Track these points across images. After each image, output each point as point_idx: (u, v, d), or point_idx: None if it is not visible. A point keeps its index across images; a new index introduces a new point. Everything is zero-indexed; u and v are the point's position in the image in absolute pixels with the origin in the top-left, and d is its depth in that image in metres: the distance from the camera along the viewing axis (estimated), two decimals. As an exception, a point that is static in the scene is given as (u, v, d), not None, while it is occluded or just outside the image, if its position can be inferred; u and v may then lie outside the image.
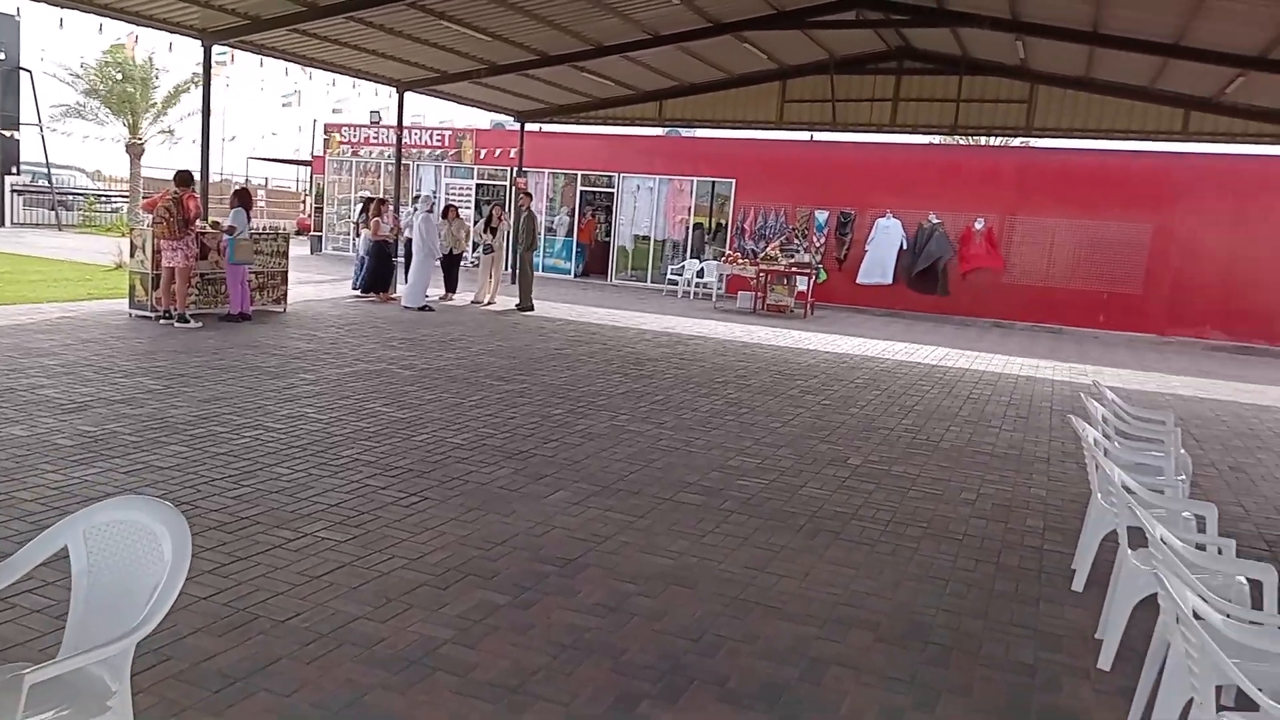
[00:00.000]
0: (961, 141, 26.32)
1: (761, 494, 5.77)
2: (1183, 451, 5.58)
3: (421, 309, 14.16)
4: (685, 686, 3.33)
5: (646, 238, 22.46)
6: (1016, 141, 21.38)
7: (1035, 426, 8.66)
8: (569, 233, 23.37)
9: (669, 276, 21.30)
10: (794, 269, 17.83)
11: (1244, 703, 2.55)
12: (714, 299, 19.69)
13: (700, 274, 20.38)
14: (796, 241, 19.29)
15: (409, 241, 15.71)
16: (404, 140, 20.12)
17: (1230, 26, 11.32)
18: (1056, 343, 16.66)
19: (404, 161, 21.00)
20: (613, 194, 22.67)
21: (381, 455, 5.96)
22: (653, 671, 3.42)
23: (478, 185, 24.30)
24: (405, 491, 5.26)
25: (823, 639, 3.81)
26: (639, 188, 22.47)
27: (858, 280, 19.62)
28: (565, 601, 3.96)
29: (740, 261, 19.12)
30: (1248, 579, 3.43)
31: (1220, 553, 3.67)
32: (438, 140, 24.64)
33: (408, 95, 18.18)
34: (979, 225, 18.78)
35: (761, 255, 18.72)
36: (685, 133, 23.66)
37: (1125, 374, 12.91)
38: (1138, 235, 17.81)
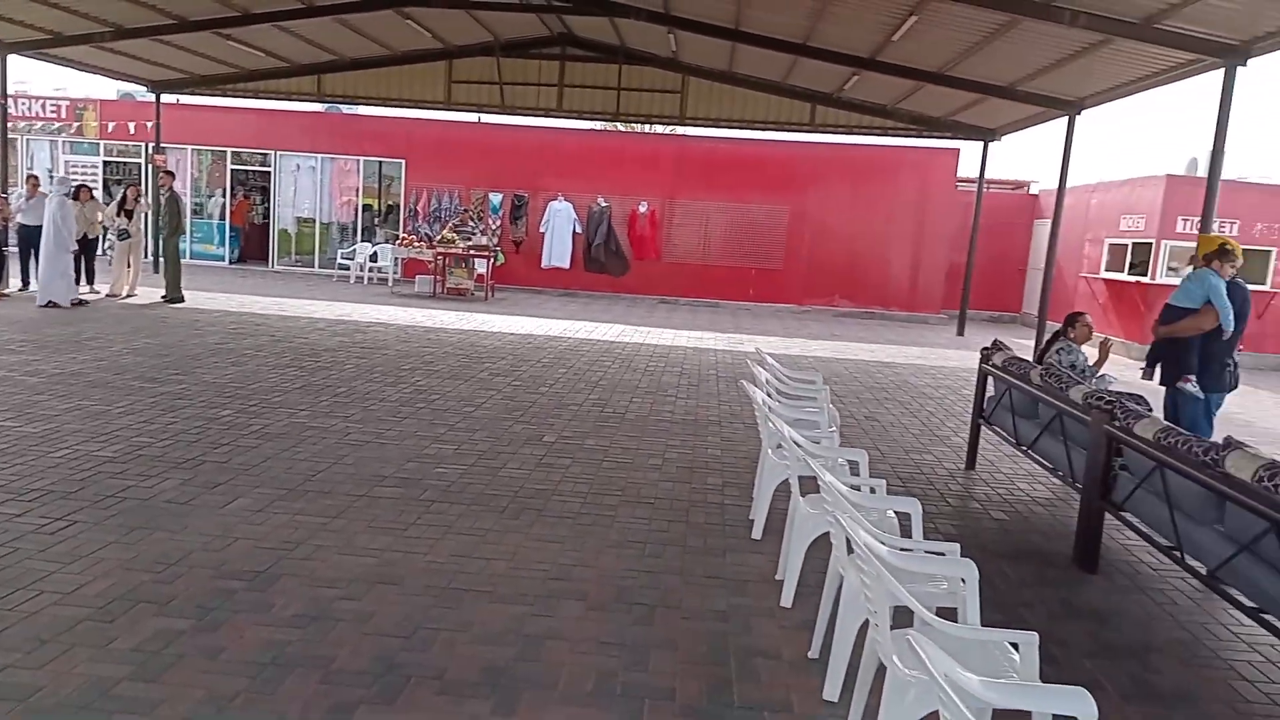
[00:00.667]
0: (623, 128, 27.62)
1: (461, 480, 5.70)
2: (831, 406, 6.31)
3: (77, 304, 12.47)
4: (402, 685, 3.22)
5: (311, 220, 21.14)
6: (669, 129, 22.89)
7: (705, 393, 9.36)
8: (221, 215, 21.40)
9: (339, 261, 20.26)
10: (472, 252, 17.72)
11: (900, 620, 2.93)
12: (390, 283, 19.05)
13: (374, 258, 19.61)
14: (471, 224, 19.18)
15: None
16: (9, 111, 17.22)
17: (847, 30, 12.90)
18: (715, 316, 18.11)
19: (10, 136, 17.97)
20: (269, 173, 21.07)
21: (12, 478, 5.10)
22: (366, 676, 3.26)
23: (105, 163, 21.44)
24: (48, 517, 4.55)
25: (536, 616, 3.85)
26: (299, 167, 21.05)
27: (544, 264, 19.93)
28: (259, 617, 3.65)
29: (416, 245, 18.65)
30: (896, 512, 3.96)
31: (873, 492, 4.20)
32: (52, 111, 21.38)
33: (11, 58, 15.56)
34: (643, 209, 19.85)
35: (438, 238, 18.40)
36: (348, 110, 22.56)
37: (774, 341, 14.35)
38: (777, 217, 19.80)
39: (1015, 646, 2.68)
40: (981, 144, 17.34)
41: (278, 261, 21.20)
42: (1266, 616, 3.58)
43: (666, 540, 4.90)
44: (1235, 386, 6.50)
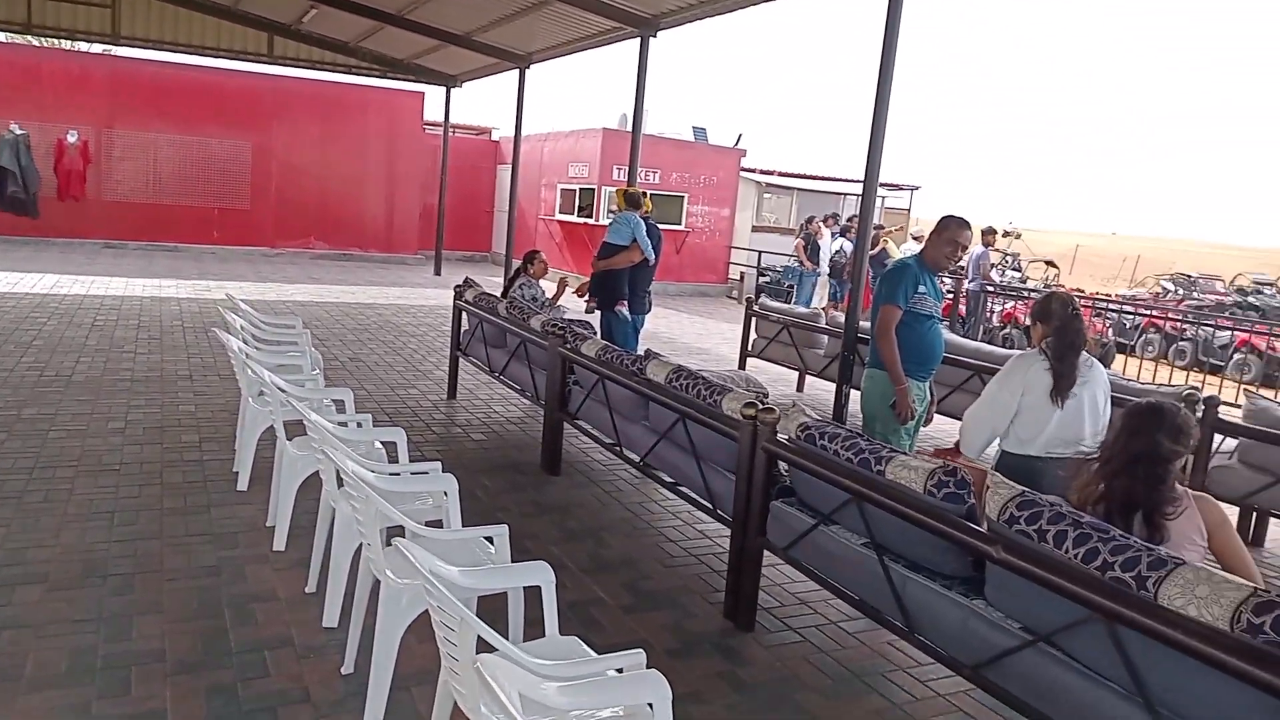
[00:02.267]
0: (38, 43, 23.22)
1: None
2: (313, 349, 6.29)
3: None
4: None
5: None
6: (101, 48, 19.80)
7: (172, 346, 8.61)
8: None
9: None
10: None
11: (392, 540, 3.17)
12: None
13: None
14: None
15: None
16: None
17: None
18: (175, 261, 16.47)
19: None
20: None
21: None
22: None
23: None
24: None
25: (-18, 609, 3.38)
26: None
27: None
28: None
29: None
30: (382, 442, 4.18)
31: (360, 426, 4.37)
32: None
33: None
34: (73, 138, 17.11)
35: None
36: None
37: (246, 286, 13.56)
38: (240, 152, 18.47)
39: (492, 541, 3.08)
40: (445, 89, 17.96)
41: None
42: (681, 489, 4.53)
43: (139, 506, 4.56)
44: (650, 309, 7.83)
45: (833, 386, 7.28)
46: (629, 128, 17.01)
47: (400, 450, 4.02)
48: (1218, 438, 5.11)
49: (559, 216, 18.80)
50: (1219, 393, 8.93)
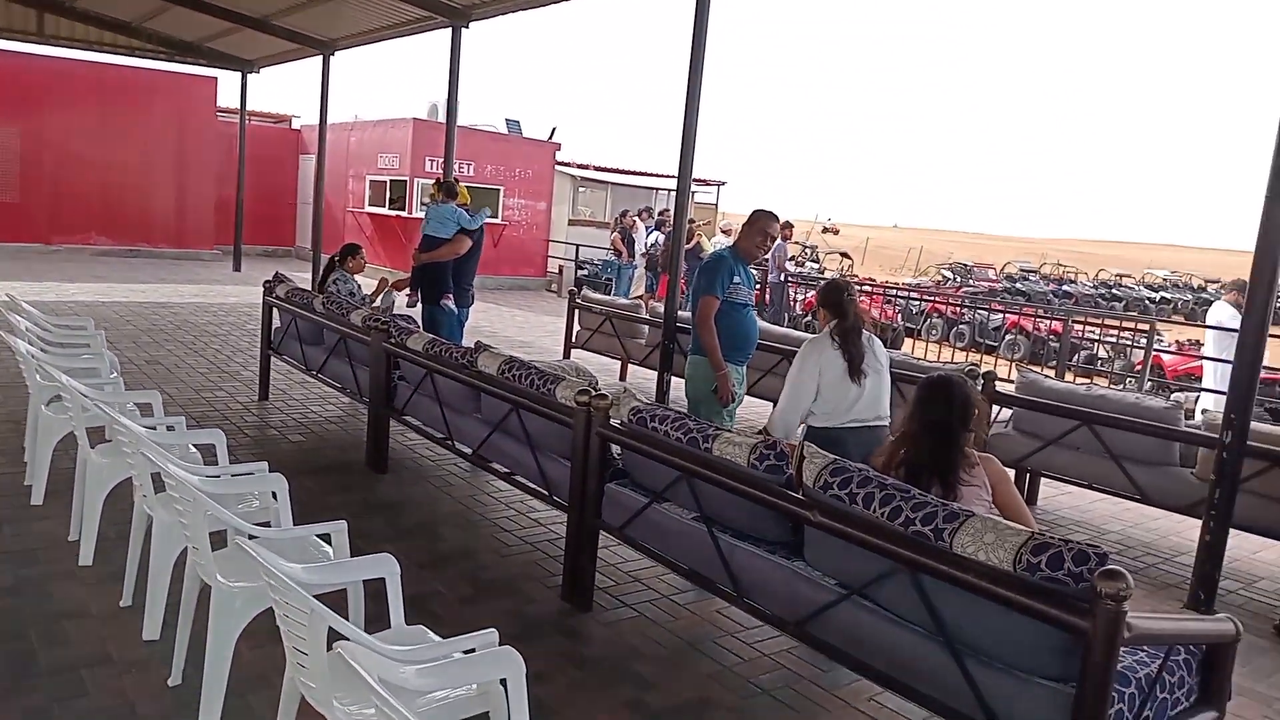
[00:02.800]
0: None
1: None
2: (109, 352, 5.86)
3: None
4: None
5: None
6: None
7: (-65, 353, 7.75)
8: None
9: None
10: None
11: (217, 544, 3.03)
12: None
13: None
14: None
15: None
16: None
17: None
18: (-71, 259, 14.74)
19: None
20: None
21: None
22: None
23: None
24: None
25: None
26: None
27: None
28: None
29: None
30: (197, 445, 4.00)
31: (173, 429, 4.14)
32: None
33: None
34: None
35: None
36: None
37: (20, 286, 12.33)
38: (7, 140, 16.73)
39: (329, 539, 3.04)
40: (240, 74, 16.99)
41: None
42: (516, 478, 4.59)
43: (-87, 527, 4.13)
44: (472, 302, 7.81)
45: (654, 374, 7.54)
46: (439, 118, 16.69)
47: (219, 453, 3.86)
48: (995, 408, 5.71)
49: (369, 209, 18.23)
50: (995, 369, 9.90)
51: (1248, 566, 5.23)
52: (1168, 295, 32.51)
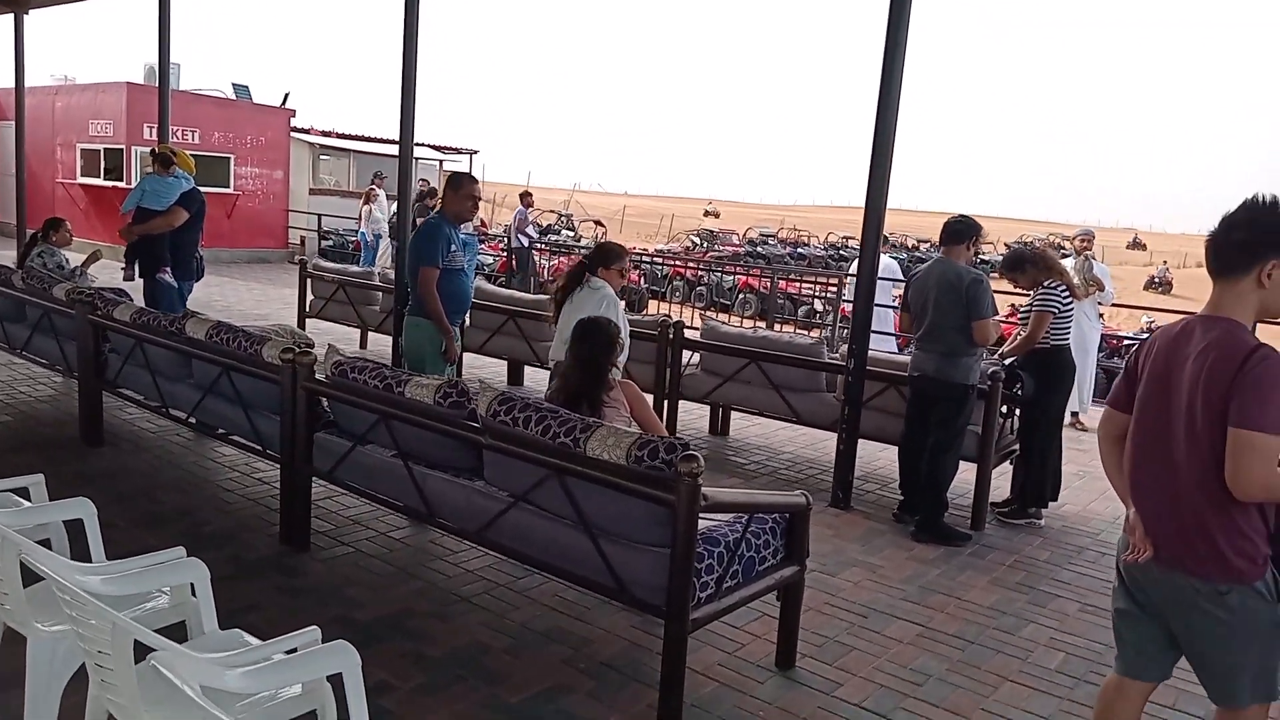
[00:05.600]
0: None
1: None
2: None
3: None
4: None
5: None
6: None
7: None
8: None
9: None
10: None
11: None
12: None
13: None
14: None
15: None
16: None
17: None
18: None
19: None
20: None
21: None
22: None
23: None
24: None
25: None
26: None
27: None
28: None
29: None
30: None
31: None
32: None
33: None
34: None
35: None
36: None
37: None
38: None
39: (27, 494, 3.19)
40: (-87, 28, 15.09)
41: None
42: (234, 438, 4.81)
43: None
44: (202, 275, 7.71)
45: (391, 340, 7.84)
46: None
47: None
48: (687, 353, 6.52)
49: (82, 180, 16.85)
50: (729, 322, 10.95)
51: (882, 469, 6.35)
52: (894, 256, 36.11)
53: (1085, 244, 8.09)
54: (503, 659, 3.44)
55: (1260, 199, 2.33)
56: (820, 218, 55.44)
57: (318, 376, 4.17)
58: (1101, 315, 8.83)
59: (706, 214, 50.02)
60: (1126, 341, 13.04)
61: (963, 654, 3.78)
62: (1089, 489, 6.34)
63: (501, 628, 3.68)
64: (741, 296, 17.70)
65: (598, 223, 31.24)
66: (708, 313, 16.89)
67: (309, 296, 9.60)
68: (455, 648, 3.49)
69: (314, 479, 4.31)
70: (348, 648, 2.16)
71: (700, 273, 18.97)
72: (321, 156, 20.46)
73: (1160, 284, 41.88)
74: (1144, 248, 68.00)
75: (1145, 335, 13.81)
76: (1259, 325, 2.75)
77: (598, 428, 3.15)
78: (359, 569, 4.14)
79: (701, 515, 2.95)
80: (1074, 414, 7.93)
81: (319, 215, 17.81)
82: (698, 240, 34.15)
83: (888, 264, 10.13)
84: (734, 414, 7.05)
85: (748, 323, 13.70)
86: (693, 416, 7.25)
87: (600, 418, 3.55)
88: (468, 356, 5.92)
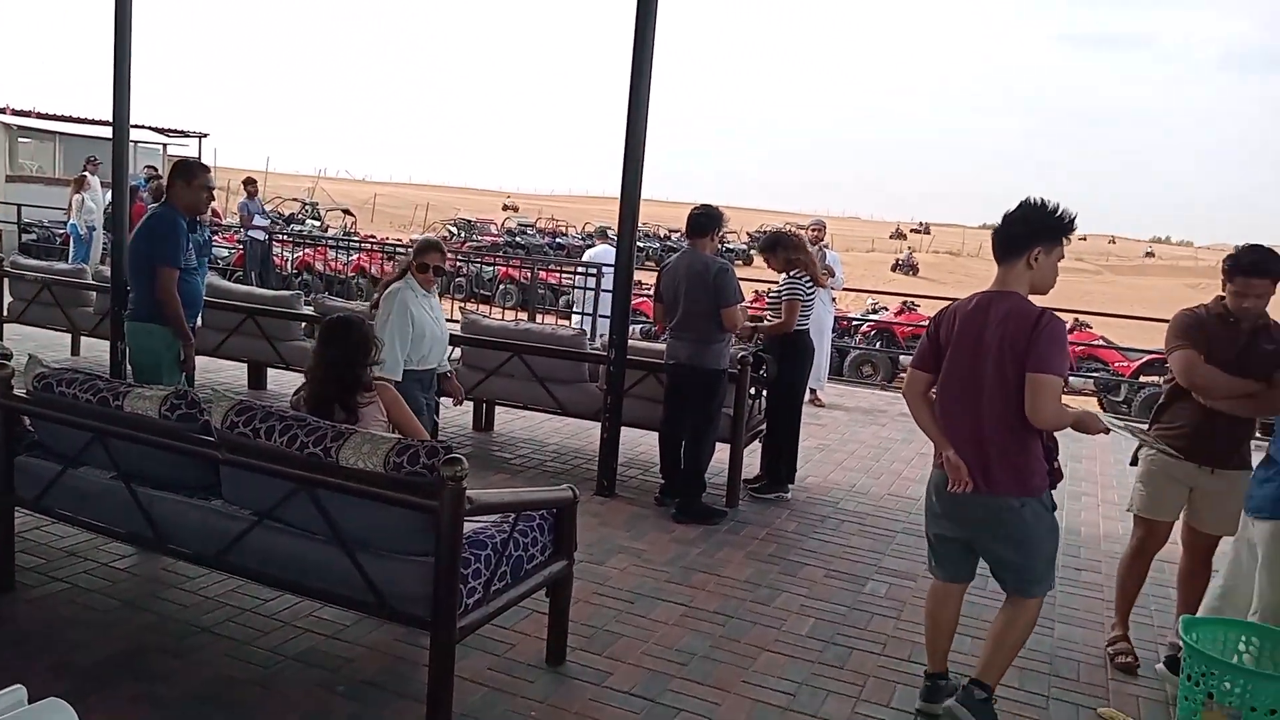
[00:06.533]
0: None
1: None
2: None
3: None
4: None
5: None
6: None
7: None
8: None
9: None
10: None
11: None
12: None
13: None
14: None
15: None
16: None
17: None
18: None
19: None
20: None
21: None
22: None
23: None
24: None
25: None
26: None
27: None
28: None
29: None
30: None
31: None
32: None
33: None
34: None
35: None
36: None
37: None
38: None
39: None
40: None
41: None
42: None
43: None
44: None
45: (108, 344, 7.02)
46: None
47: None
48: (450, 347, 6.32)
49: None
50: (490, 315, 10.76)
51: (644, 454, 6.50)
52: (639, 245, 37.14)
53: (817, 234, 8.68)
54: (252, 691, 3.18)
55: (1033, 200, 3.01)
56: (579, 208, 56.06)
57: (17, 391, 3.64)
58: (834, 299, 9.55)
59: (506, 208, 49.42)
60: (854, 321, 14.21)
61: (724, 629, 3.94)
62: (828, 461, 6.84)
63: (249, 657, 3.39)
64: (502, 288, 17.54)
65: (346, 212, 29.87)
66: (467, 305, 16.64)
67: (6, 299, 8.43)
68: (195, 685, 3.18)
69: (17, 509, 3.77)
70: (60, 705, 1.79)
71: (458, 264, 18.59)
72: (20, 140, 18.10)
73: (906, 267, 46.93)
74: (904, 237, 74.93)
75: (872, 316, 15.18)
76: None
77: (351, 435, 2.97)
78: (77, 607, 3.67)
79: (467, 518, 2.86)
80: (812, 391, 8.51)
81: (18, 206, 15.73)
82: (454, 230, 33.49)
83: (606, 251, 10.70)
84: (499, 408, 6.96)
85: (509, 314, 13.62)
86: (455, 413, 7.07)
87: (355, 421, 3.35)
88: (201, 360, 5.39)
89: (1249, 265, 3.47)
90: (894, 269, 46.40)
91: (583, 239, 35.84)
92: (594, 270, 10.69)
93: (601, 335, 7.09)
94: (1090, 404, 10.44)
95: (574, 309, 10.64)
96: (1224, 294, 3.59)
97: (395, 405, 3.54)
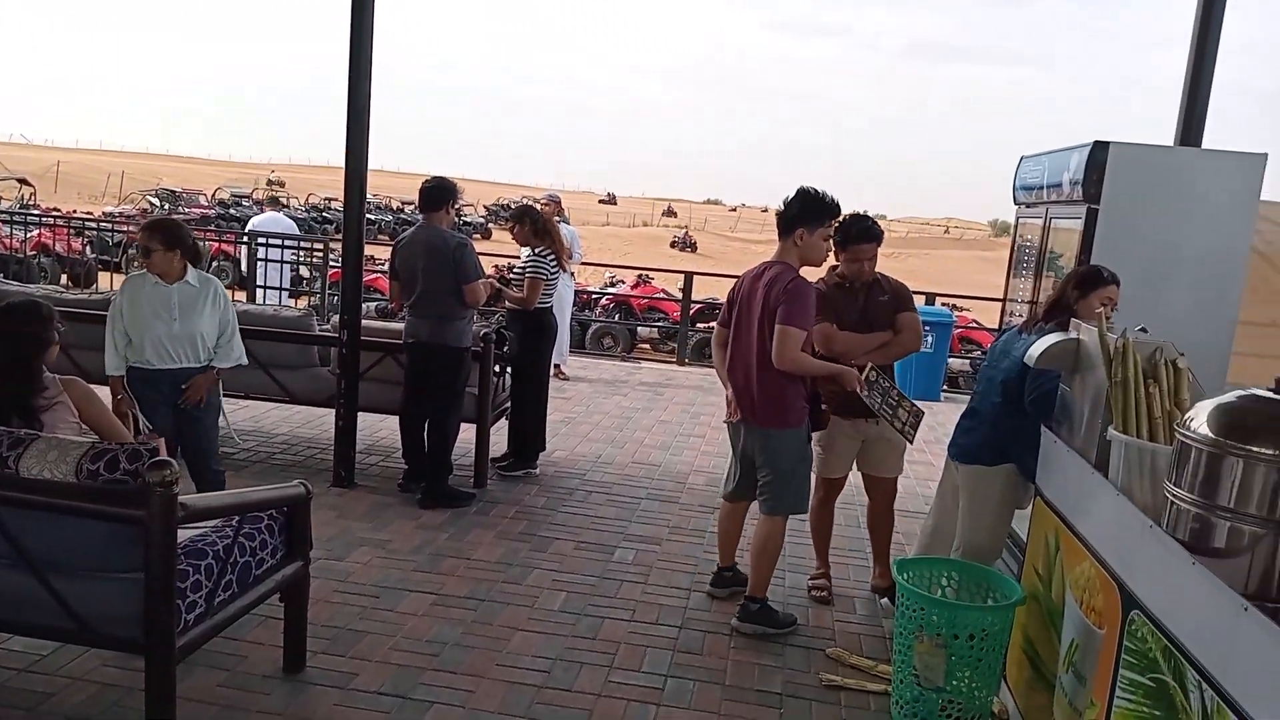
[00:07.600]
0: None
1: None
2: None
3: None
4: None
5: None
6: None
7: None
8: None
9: None
10: None
11: None
12: None
13: None
14: None
15: None
16: None
17: None
18: None
19: None
20: None
21: None
22: None
23: None
24: None
25: None
26: None
27: None
28: None
29: None
30: None
31: None
32: None
33: None
34: None
35: None
36: None
37: None
38: None
39: None
40: None
41: None
42: None
43: None
44: None
45: None
46: None
47: None
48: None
49: None
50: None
51: (384, 440, 6.24)
52: (370, 218, 35.56)
53: (551, 207, 8.68)
54: (-80, 747, 2.70)
55: (806, 188, 3.66)
56: (304, 178, 52.57)
57: None
58: (573, 274, 9.63)
59: (270, 184, 44.40)
60: (594, 295, 14.46)
61: (475, 614, 3.87)
62: (574, 434, 6.91)
63: (-85, 708, 2.88)
64: (216, 264, 16.11)
65: (23, 181, 26.08)
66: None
67: None
68: None
69: None
70: None
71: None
72: None
73: (684, 244, 48.17)
74: (675, 215, 76.84)
75: (610, 289, 15.53)
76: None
77: (33, 441, 2.57)
78: None
79: (182, 527, 2.58)
80: (556, 366, 8.56)
81: None
82: (156, 201, 30.29)
83: (277, 219, 10.51)
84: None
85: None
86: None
87: (38, 426, 2.91)
88: None
89: (859, 233, 4.03)
90: (673, 245, 47.70)
91: (307, 210, 33.66)
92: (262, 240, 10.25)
93: (331, 315, 6.68)
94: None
95: (259, 284, 9.86)
96: (837, 263, 4.14)
97: (87, 402, 3.10)
